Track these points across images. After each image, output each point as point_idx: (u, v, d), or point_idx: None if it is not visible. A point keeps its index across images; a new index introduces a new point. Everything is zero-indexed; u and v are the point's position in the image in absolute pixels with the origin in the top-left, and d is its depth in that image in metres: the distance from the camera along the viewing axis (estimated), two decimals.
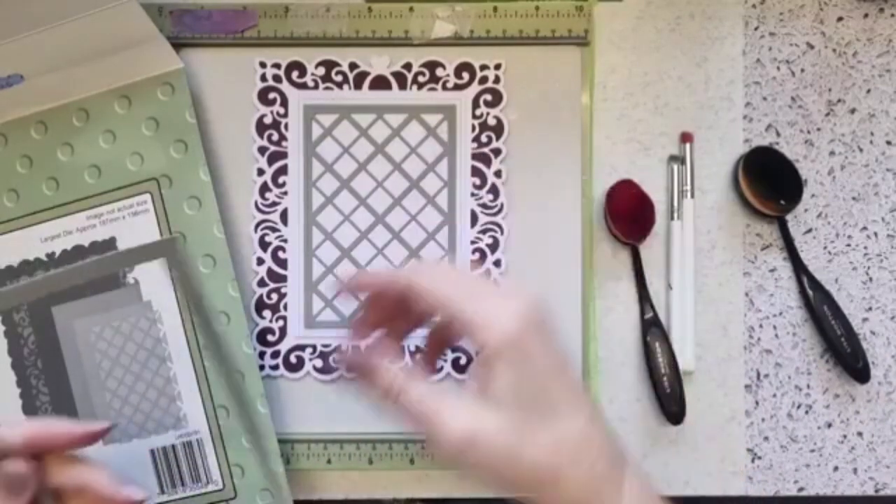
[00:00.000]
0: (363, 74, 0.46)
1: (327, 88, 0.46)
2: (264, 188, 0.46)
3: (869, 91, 0.47)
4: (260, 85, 0.46)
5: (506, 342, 0.31)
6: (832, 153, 0.47)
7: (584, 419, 0.32)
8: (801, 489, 0.47)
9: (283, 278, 0.46)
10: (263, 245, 0.46)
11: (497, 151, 0.46)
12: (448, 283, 0.33)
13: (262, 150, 0.46)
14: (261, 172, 0.46)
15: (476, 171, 0.46)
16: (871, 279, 0.47)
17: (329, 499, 0.47)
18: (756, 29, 0.47)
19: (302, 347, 0.46)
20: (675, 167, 0.47)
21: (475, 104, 0.46)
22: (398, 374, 0.32)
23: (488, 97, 0.46)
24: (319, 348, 0.46)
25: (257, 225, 0.46)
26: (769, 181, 0.46)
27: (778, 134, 0.47)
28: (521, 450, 0.31)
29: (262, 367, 0.45)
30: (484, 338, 0.31)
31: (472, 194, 0.46)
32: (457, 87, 0.46)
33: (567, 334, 0.46)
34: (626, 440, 0.46)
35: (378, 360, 0.33)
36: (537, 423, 0.31)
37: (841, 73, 0.47)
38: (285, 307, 0.46)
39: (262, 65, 0.46)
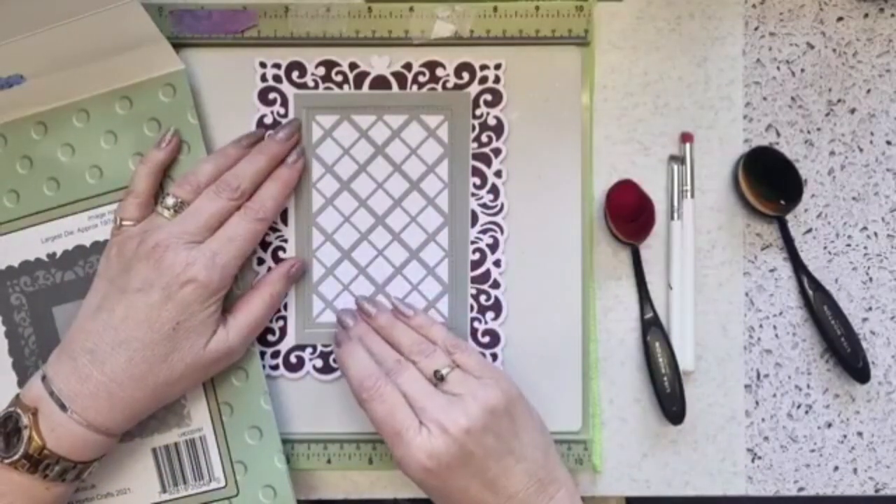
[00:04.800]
0: (363, 74, 0.48)
1: (327, 88, 0.48)
2: None
3: (869, 91, 0.50)
4: (260, 85, 0.49)
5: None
6: (832, 153, 0.50)
7: None
8: (801, 489, 0.49)
9: None
10: (263, 245, 0.48)
11: (497, 151, 0.49)
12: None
13: None
14: None
15: (476, 171, 0.49)
16: (871, 279, 0.50)
17: (329, 499, 0.49)
18: (756, 29, 0.49)
19: (302, 347, 0.48)
20: (675, 167, 0.49)
21: (475, 104, 0.48)
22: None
23: (488, 97, 0.49)
24: (319, 348, 0.48)
25: None
26: (769, 181, 0.48)
27: (778, 134, 0.50)
28: None
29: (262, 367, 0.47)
30: None
31: (473, 194, 0.48)
32: (457, 87, 0.49)
33: (567, 334, 0.48)
34: (626, 440, 0.49)
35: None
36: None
37: (841, 73, 0.50)
38: (285, 307, 0.48)
39: (262, 65, 0.49)
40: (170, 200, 0.44)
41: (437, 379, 0.42)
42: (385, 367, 0.43)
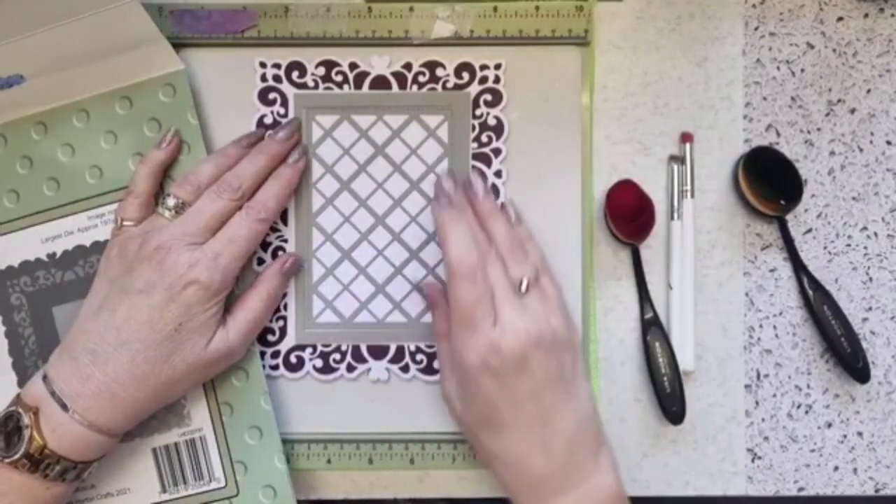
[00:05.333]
0: (363, 74, 0.49)
1: (327, 88, 0.49)
2: None
3: (869, 91, 0.50)
4: (260, 85, 0.49)
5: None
6: (832, 153, 0.50)
7: (523, 445, 0.41)
8: (801, 489, 0.49)
9: None
10: (263, 245, 0.48)
11: (497, 151, 0.49)
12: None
13: None
14: None
15: (476, 172, 0.49)
16: (871, 279, 0.50)
17: (329, 499, 0.49)
18: (756, 29, 0.50)
19: (302, 347, 0.48)
20: (675, 167, 0.49)
21: (475, 104, 0.49)
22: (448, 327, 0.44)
23: (488, 97, 0.49)
24: (319, 348, 0.48)
25: None
26: (769, 181, 0.48)
27: (778, 134, 0.50)
28: (470, 436, 0.44)
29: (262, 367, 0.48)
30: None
31: None
32: (457, 87, 0.49)
33: None
34: (626, 440, 0.49)
35: (446, 306, 0.44)
36: (482, 429, 0.43)
37: (841, 73, 0.50)
38: (285, 307, 0.48)
39: (262, 65, 0.49)
40: (171, 201, 0.44)
41: (519, 288, 0.42)
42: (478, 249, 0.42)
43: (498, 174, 0.49)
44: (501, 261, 0.43)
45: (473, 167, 0.49)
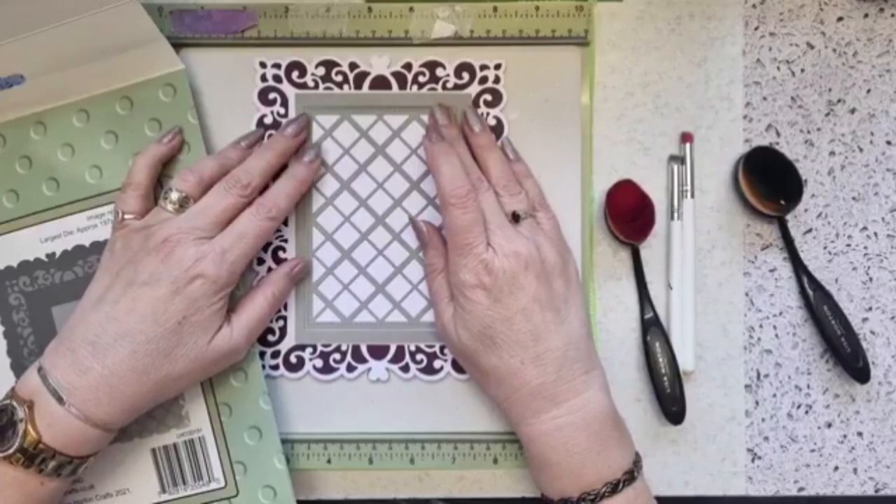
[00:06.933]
0: (363, 74, 0.48)
1: (327, 88, 0.48)
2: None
3: (869, 91, 0.49)
4: (260, 85, 0.48)
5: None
6: (832, 153, 0.49)
7: (515, 358, 0.42)
8: (801, 489, 0.49)
9: None
10: (264, 245, 0.48)
11: None
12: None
13: None
14: None
15: (474, 108, 0.48)
16: (871, 279, 0.49)
17: (329, 499, 0.49)
18: (756, 29, 0.49)
19: (302, 347, 0.48)
20: (675, 167, 0.49)
21: (475, 104, 0.48)
22: (440, 262, 0.46)
23: (488, 97, 0.48)
24: (319, 348, 0.48)
25: None
26: (769, 181, 0.48)
27: (778, 134, 0.49)
28: (467, 361, 0.45)
29: (262, 367, 0.47)
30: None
31: None
32: (457, 87, 0.48)
33: None
34: None
35: (438, 242, 0.47)
36: (478, 349, 0.43)
37: (841, 73, 0.49)
38: (285, 307, 0.48)
39: (262, 65, 0.48)
40: (174, 195, 0.43)
41: (513, 218, 0.44)
42: (469, 179, 0.44)
43: None
44: (495, 192, 0.45)
45: (471, 106, 0.48)
